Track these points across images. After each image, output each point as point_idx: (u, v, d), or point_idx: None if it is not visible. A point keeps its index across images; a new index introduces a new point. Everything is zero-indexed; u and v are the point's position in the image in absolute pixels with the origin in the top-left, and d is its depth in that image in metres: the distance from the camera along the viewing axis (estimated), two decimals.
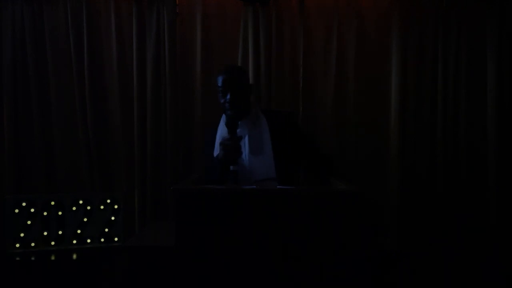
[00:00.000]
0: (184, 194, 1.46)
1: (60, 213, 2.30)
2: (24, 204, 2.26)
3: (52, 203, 2.30)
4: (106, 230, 2.37)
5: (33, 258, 2.18)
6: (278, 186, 1.80)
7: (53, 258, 2.19)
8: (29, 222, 2.26)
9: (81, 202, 2.34)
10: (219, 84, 1.88)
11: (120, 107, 2.67)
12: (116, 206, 2.39)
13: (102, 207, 2.37)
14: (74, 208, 2.32)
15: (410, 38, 2.67)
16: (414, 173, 2.67)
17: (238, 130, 1.81)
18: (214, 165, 1.85)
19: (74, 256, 2.22)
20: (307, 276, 1.44)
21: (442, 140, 2.65)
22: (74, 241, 2.32)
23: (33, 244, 2.27)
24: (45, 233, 2.28)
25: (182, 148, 2.69)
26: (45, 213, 2.28)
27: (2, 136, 2.62)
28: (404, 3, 2.64)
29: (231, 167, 1.78)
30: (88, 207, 2.35)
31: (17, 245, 2.25)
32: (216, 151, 1.89)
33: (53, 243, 2.29)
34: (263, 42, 2.62)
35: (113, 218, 2.38)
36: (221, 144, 1.77)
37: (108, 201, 2.38)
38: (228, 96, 1.85)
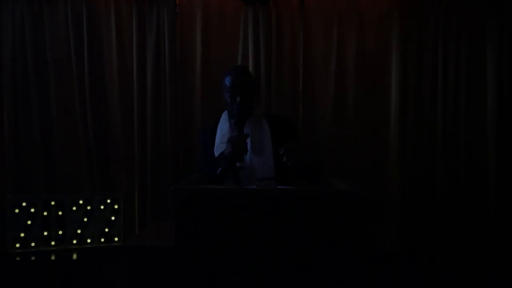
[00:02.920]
0: (184, 194, 1.46)
1: (60, 213, 2.30)
2: (24, 204, 2.26)
3: (52, 203, 2.30)
4: (106, 230, 2.37)
5: (33, 258, 2.18)
6: (278, 186, 1.80)
7: (53, 258, 2.19)
8: (29, 222, 2.26)
9: (81, 202, 2.34)
10: (228, 84, 1.93)
11: (120, 107, 2.67)
12: (116, 206, 2.39)
13: (102, 207, 2.37)
14: (74, 208, 2.32)
15: (410, 38, 2.67)
16: (414, 173, 2.67)
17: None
18: (215, 162, 1.88)
19: (74, 256, 2.22)
20: (307, 275, 1.44)
21: (442, 140, 2.65)
22: (74, 241, 2.32)
23: (33, 244, 2.27)
24: (45, 233, 2.28)
25: (182, 148, 2.69)
26: (45, 213, 2.28)
27: (2, 136, 2.62)
28: (404, 3, 2.64)
29: (238, 164, 1.83)
30: (88, 207, 2.35)
31: (17, 245, 2.25)
32: (217, 148, 1.92)
33: (53, 243, 2.29)
34: (263, 42, 2.62)
35: (113, 218, 2.38)
36: (229, 140, 1.80)
37: (108, 201, 2.38)
38: (238, 98, 1.90)
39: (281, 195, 1.46)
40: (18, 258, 2.17)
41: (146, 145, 2.65)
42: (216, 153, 1.93)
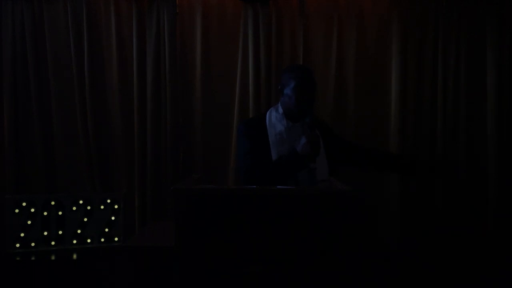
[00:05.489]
0: (184, 194, 1.46)
1: (60, 213, 2.30)
2: (24, 204, 2.26)
3: (52, 203, 2.29)
4: (106, 230, 2.37)
5: (33, 258, 2.18)
6: (277, 186, 1.80)
7: (53, 258, 2.19)
8: (29, 222, 2.26)
9: (81, 202, 2.34)
10: (298, 84, 1.88)
11: (120, 107, 2.67)
12: (116, 206, 2.39)
13: (102, 207, 2.37)
14: (74, 208, 2.32)
15: (410, 38, 2.67)
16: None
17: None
18: (279, 161, 1.84)
19: (74, 256, 2.22)
20: (307, 275, 1.44)
21: (442, 140, 2.65)
22: (74, 241, 2.32)
23: (33, 244, 2.27)
24: (45, 233, 2.28)
25: (182, 148, 2.69)
26: (45, 213, 2.28)
27: (2, 136, 2.62)
28: (404, 3, 2.64)
29: (311, 165, 1.79)
30: (88, 207, 2.34)
31: (17, 245, 2.24)
32: (274, 146, 1.88)
33: (53, 243, 2.29)
34: (263, 42, 2.62)
35: (113, 218, 2.38)
36: (308, 139, 1.77)
37: (108, 201, 2.38)
38: (307, 97, 1.88)
39: (281, 195, 1.46)
40: (18, 258, 2.17)
41: (146, 145, 2.65)
42: (273, 151, 1.88)
